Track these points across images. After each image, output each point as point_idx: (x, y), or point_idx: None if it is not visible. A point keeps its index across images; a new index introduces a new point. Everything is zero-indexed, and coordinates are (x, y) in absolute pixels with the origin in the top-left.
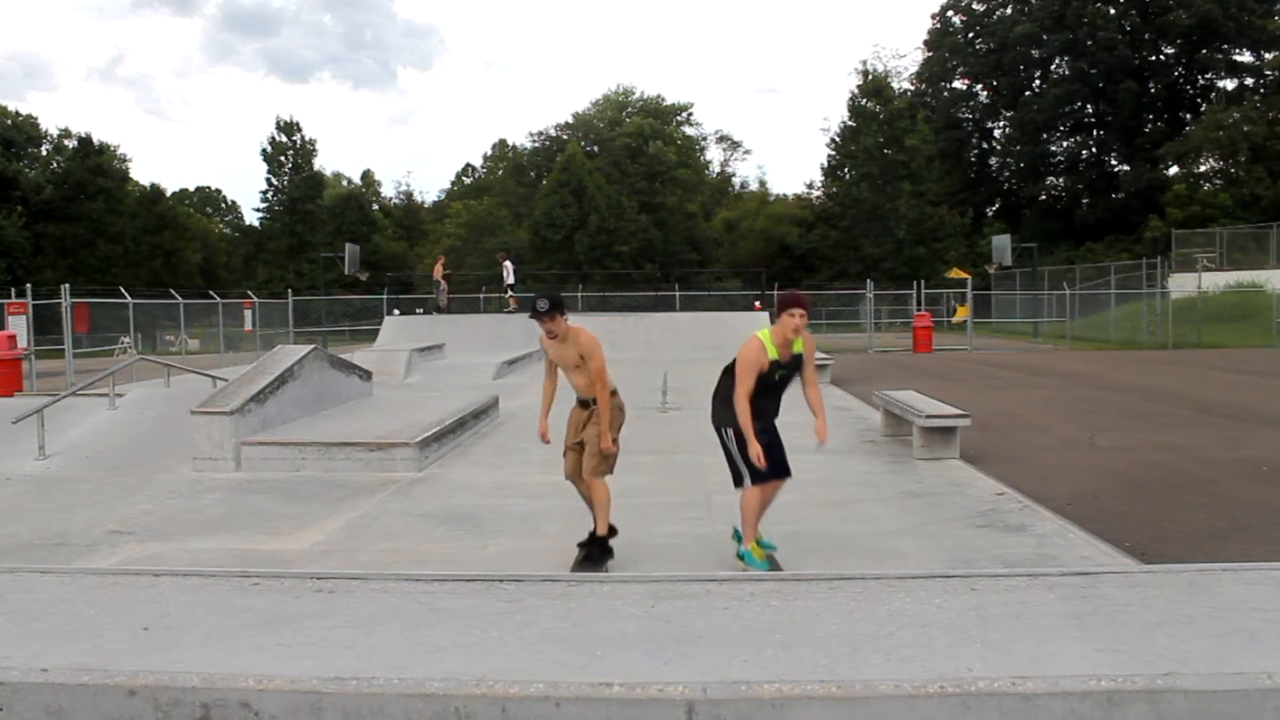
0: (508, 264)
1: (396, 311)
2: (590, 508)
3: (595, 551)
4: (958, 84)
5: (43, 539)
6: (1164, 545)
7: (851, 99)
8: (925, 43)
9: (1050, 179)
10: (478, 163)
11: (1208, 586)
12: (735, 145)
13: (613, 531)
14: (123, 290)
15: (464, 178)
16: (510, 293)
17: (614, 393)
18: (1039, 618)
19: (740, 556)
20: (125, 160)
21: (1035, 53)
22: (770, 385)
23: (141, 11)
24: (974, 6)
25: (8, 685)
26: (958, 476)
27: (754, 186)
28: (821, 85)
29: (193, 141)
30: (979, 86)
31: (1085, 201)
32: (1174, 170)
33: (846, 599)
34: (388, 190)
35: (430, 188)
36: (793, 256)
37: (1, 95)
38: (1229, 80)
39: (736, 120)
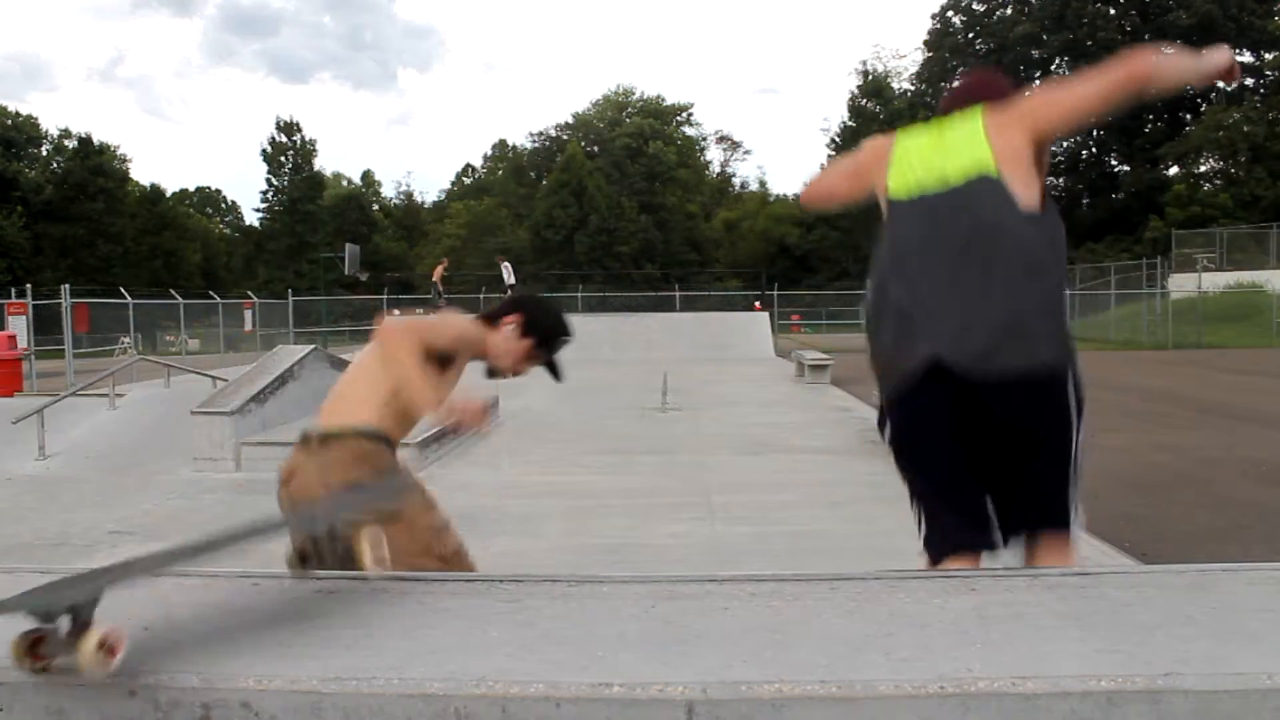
0: (506, 265)
1: (396, 312)
2: None
3: None
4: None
5: (43, 539)
6: (1164, 545)
7: (851, 99)
8: (925, 43)
9: (1050, 179)
10: (478, 163)
11: (1208, 586)
12: (735, 145)
13: None
14: (123, 290)
15: (464, 178)
16: (509, 293)
17: None
18: (1039, 618)
19: None
20: (125, 160)
21: (1035, 53)
22: None
23: (141, 12)
24: (974, 7)
25: (8, 685)
26: None
27: (754, 187)
28: (821, 85)
29: (193, 142)
30: None
31: (1085, 201)
32: (1174, 170)
33: (846, 599)
34: (388, 190)
35: (430, 188)
36: (793, 257)
37: (1, 95)
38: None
39: (736, 120)
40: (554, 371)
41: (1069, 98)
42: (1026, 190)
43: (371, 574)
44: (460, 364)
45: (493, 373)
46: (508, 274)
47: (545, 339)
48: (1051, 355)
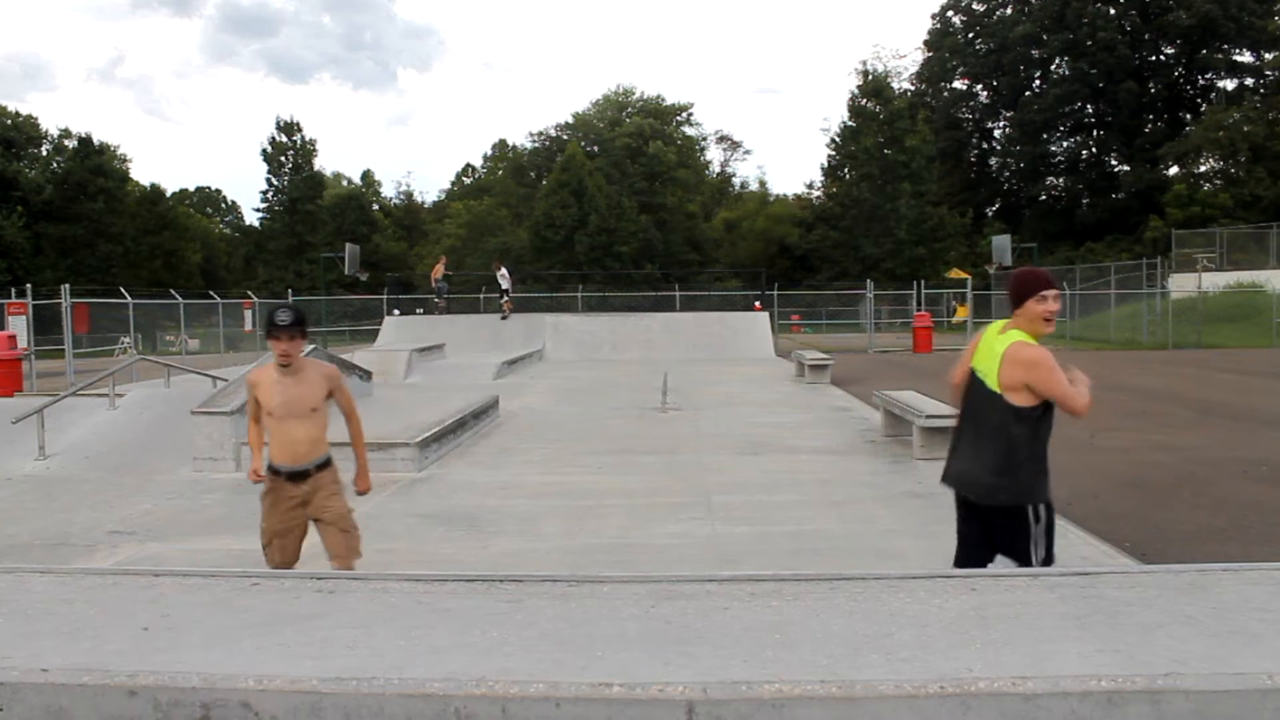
0: (503, 271)
1: (396, 312)
2: None
3: None
4: (958, 84)
5: (43, 539)
6: (1164, 545)
7: (851, 99)
8: (925, 43)
9: (1050, 179)
10: (478, 163)
11: (1208, 586)
12: (735, 145)
13: None
14: (123, 290)
15: (464, 178)
16: (505, 297)
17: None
18: (1039, 618)
19: None
20: (125, 160)
21: (1035, 53)
22: None
23: (141, 12)
24: (974, 6)
25: (8, 685)
26: None
27: (754, 186)
28: (821, 85)
29: (193, 141)
30: (979, 86)
31: (1085, 201)
32: (1174, 170)
33: (846, 599)
34: (388, 190)
35: (430, 188)
36: (793, 256)
37: (1, 95)
38: (1229, 80)
39: (736, 120)
40: (274, 325)
41: (1057, 391)
42: (1016, 398)
43: (371, 574)
44: (259, 394)
45: (284, 368)
46: (504, 279)
47: (267, 328)
48: (1009, 497)
